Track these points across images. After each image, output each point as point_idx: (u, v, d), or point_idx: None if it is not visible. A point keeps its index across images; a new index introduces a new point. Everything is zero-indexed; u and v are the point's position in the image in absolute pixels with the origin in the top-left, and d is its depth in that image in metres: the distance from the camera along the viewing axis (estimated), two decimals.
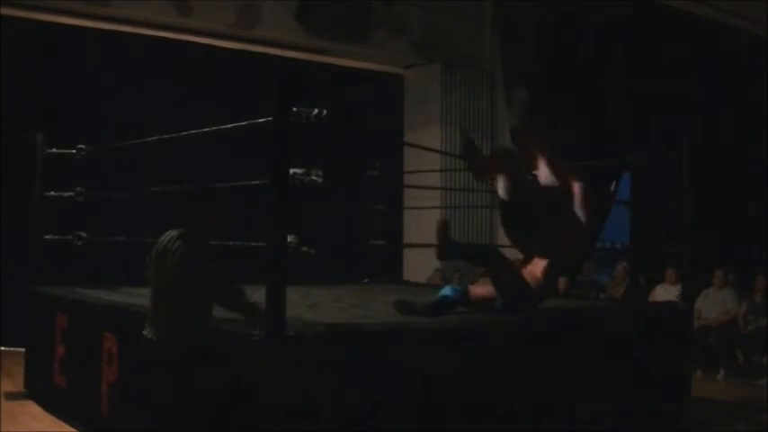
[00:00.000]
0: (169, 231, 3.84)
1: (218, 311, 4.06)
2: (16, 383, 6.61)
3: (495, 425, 4.52)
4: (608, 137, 10.30)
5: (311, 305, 5.42)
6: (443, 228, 5.04)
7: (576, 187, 5.25)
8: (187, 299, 3.70)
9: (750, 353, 8.40)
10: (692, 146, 6.00)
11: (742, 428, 6.10)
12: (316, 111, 3.97)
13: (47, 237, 6.68)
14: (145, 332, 3.79)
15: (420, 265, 9.82)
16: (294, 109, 3.97)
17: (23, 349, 6.75)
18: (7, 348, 7.80)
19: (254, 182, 4.53)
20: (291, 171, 3.99)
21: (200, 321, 3.74)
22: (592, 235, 5.27)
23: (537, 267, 5.09)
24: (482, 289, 5.25)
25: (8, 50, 8.21)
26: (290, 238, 3.98)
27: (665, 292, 8.61)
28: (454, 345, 4.51)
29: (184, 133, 5.20)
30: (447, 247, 5.11)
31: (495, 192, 5.44)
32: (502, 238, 10.83)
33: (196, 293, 3.72)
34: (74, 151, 6.70)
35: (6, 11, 8.14)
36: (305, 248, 4.10)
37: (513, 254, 5.53)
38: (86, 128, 7.80)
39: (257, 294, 3.96)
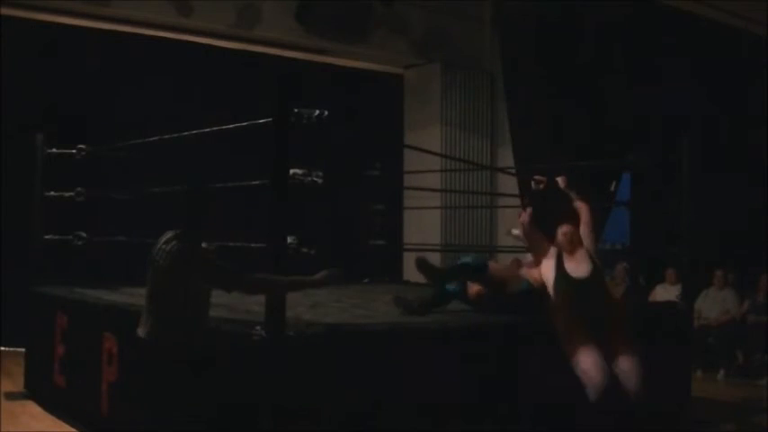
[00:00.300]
0: (167, 232, 3.83)
1: (222, 312, 4.06)
2: (16, 383, 6.61)
3: (494, 425, 4.53)
4: (608, 137, 10.28)
5: (311, 305, 5.42)
6: (423, 264, 5.16)
7: (584, 212, 5.24)
8: (180, 300, 3.68)
9: (750, 353, 8.40)
10: (692, 146, 6.00)
11: (742, 428, 6.10)
12: (317, 112, 3.97)
13: (47, 237, 6.68)
14: (138, 331, 3.78)
15: None
16: (295, 110, 3.97)
17: (23, 349, 6.76)
18: (7, 348, 7.80)
19: (254, 182, 4.53)
20: (291, 171, 3.99)
21: (193, 322, 3.71)
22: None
23: (538, 268, 5.11)
24: (479, 286, 5.29)
25: (8, 50, 8.21)
26: (290, 239, 3.98)
27: (665, 292, 8.62)
28: (454, 345, 4.52)
29: (185, 133, 5.20)
30: (435, 279, 5.24)
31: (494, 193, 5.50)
32: (501, 238, 10.87)
33: (189, 294, 3.69)
34: (74, 151, 6.71)
35: (6, 11, 8.14)
36: (305, 249, 4.10)
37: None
38: (86, 128, 7.80)
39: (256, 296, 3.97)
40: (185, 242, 3.69)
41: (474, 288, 5.31)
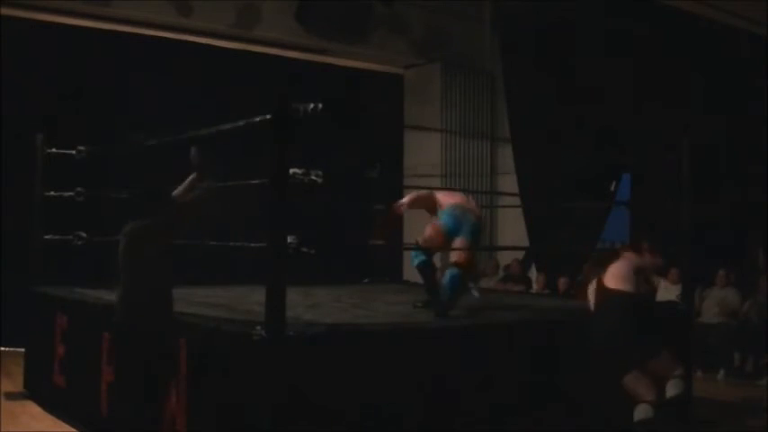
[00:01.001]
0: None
1: (222, 312, 4.06)
2: (16, 383, 6.62)
3: (495, 424, 4.53)
4: (608, 137, 10.28)
5: (311, 305, 5.42)
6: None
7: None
8: (139, 280, 3.94)
9: (750, 353, 8.39)
10: (693, 146, 6.00)
11: (742, 428, 6.10)
12: (312, 105, 3.96)
13: (47, 237, 6.68)
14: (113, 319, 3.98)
15: None
16: (293, 105, 3.97)
17: (23, 349, 6.75)
18: (7, 348, 7.79)
19: (253, 181, 4.53)
20: (291, 170, 3.99)
21: (154, 302, 3.89)
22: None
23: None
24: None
25: (8, 50, 8.21)
26: (290, 239, 3.98)
27: (666, 292, 8.60)
28: (454, 344, 4.52)
29: (184, 136, 5.19)
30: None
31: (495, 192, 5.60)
32: (501, 237, 10.86)
33: (146, 271, 3.90)
34: (74, 151, 6.70)
35: (6, 11, 8.14)
36: (305, 248, 4.10)
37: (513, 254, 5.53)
38: (86, 128, 7.79)
39: (257, 295, 3.97)
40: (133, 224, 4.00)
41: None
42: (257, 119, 4.17)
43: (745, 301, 8.67)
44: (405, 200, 5.80)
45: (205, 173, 4.24)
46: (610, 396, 5.06)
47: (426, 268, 5.65)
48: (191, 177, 4.31)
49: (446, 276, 5.26)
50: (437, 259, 5.93)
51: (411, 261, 5.81)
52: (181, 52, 9.32)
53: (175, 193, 4.19)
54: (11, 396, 6.29)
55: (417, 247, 5.68)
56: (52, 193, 6.70)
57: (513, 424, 4.59)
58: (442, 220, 5.48)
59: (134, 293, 3.92)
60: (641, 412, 4.59)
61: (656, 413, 4.57)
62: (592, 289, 5.06)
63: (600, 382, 4.97)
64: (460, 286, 5.27)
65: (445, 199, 5.65)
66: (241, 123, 4.46)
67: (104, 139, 6.93)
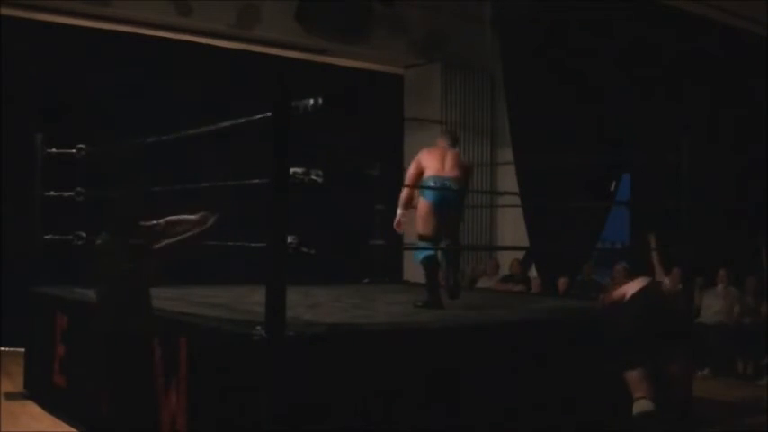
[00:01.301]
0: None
1: (222, 312, 4.05)
2: (16, 383, 6.61)
3: (495, 424, 4.53)
4: (608, 136, 10.28)
5: (311, 305, 5.43)
6: None
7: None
8: (113, 285, 4.02)
9: (749, 353, 8.39)
10: (693, 146, 6.00)
11: (742, 428, 6.10)
12: (312, 101, 3.96)
13: (47, 237, 6.68)
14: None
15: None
16: (293, 104, 3.97)
17: (23, 349, 6.75)
18: (7, 348, 7.79)
19: (253, 181, 4.53)
20: (291, 170, 3.99)
21: (129, 304, 3.97)
22: None
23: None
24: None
25: (8, 50, 8.21)
26: (290, 239, 3.98)
27: None
28: (454, 344, 4.52)
29: (183, 133, 5.20)
30: None
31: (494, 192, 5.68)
32: (501, 237, 10.84)
33: (121, 278, 3.97)
34: (74, 151, 6.70)
35: (6, 11, 8.14)
36: (305, 248, 4.10)
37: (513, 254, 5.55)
38: (86, 128, 7.79)
39: (257, 295, 3.96)
40: (106, 235, 4.09)
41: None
42: (257, 116, 4.18)
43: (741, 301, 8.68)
44: (399, 211, 5.81)
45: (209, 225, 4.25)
46: (610, 395, 5.07)
47: (431, 263, 5.62)
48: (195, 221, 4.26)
49: (441, 259, 5.39)
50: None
51: (414, 257, 5.77)
52: (181, 52, 9.32)
53: (166, 221, 4.18)
54: (11, 396, 6.28)
55: (417, 247, 5.67)
56: (52, 193, 6.70)
57: (513, 424, 4.59)
58: (426, 197, 5.53)
59: (113, 298, 3.94)
60: (640, 405, 4.60)
61: (657, 406, 4.58)
62: (629, 287, 5.15)
63: (603, 378, 4.98)
64: (457, 261, 5.38)
65: (427, 165, 5.67)
66: (241, 121, 4.47)
67: (104, 139, 6.93)
